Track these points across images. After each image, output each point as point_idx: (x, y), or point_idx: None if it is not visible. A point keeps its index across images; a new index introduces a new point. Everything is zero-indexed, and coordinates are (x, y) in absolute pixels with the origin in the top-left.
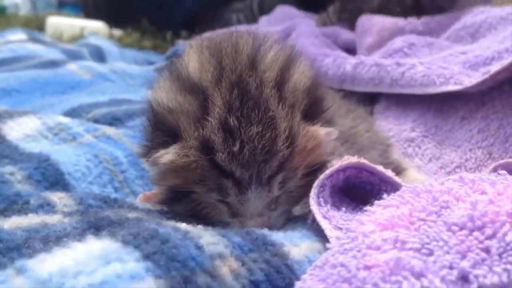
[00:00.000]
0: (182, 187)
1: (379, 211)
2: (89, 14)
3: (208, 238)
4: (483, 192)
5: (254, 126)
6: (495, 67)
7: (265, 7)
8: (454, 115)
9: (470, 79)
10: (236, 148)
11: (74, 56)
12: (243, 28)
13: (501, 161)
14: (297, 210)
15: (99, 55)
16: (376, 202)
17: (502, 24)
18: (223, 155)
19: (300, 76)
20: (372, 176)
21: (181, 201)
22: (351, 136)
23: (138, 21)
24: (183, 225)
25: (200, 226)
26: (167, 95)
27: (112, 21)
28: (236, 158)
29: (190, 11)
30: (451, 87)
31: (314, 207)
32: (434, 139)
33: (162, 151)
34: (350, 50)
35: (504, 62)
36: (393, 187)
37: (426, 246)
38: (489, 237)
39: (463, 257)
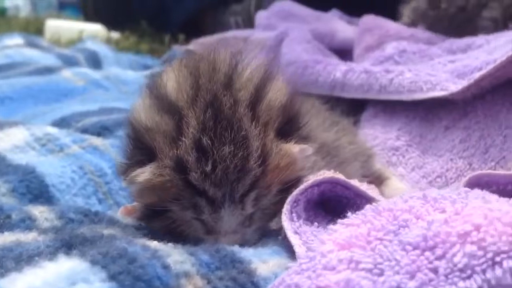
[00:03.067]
0: (158, 205)
1: (340, 230)
2: (89, 16)
3: (176, 257)
4: (443, 211)
5: (226, 145)
6: (480, 72)
7: (263, 8)
8: (438, 123)
9: (456, 86)
10: (208, 167)
11: (69, 61)
12: (239, 34)
13: (474, 173)
14: (273, 225)
15: (94, 60)
16: (339, 220)
17: (495, 39)
18: (196, 175)
19: (275, 94)
20: (347, 190)
21: (157, 218)
22: (334, 149)
23: (137, 23)
24: (153, 243)
25: (170, 244)
26: (145, 114)
27: (111, 23)
28: (209, 178)
29: (189, 13)
30: (437, 93)
31: (285, 222)
32: (418, 148)
33: (138, 170)
34: (346, 50)
35: (489, 67)
36: (368, 201)
37: (379, 266)
38: (439, 258)
39: (412, 277)
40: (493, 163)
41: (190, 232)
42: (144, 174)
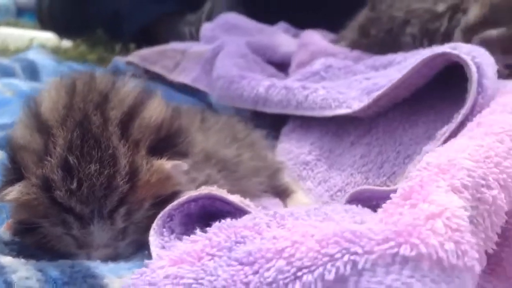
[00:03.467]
0: (29, 221)
1: (180, 245)
2: (44, 23)
3: (22, 273)
4: (284, 228)
5: (92, 164)
6: (377, 92)
7: (212, 19)
8: (346, 139)
9: (360, 104)
10: (74, 185)
11: (5, 72)
12: (178, 46)
13: (357, 189)
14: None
15: (32, 71)
16: (185, 237)
17: (411, 56)
18: (61, 193)
19: (150, 113)
20: (227, 205)
21: (29, 234)
22: (233, 164)
23: (93, 31)
24: (5, 259)
25: (23, 260)
26: (20, 132)
27: (67, 31)
28: (75, 195)
29: (143, 22)
30: (343, 111)
31: (152, 237)
32: (326, 162)
33: (9, 189)
34: (288, 64)
35: (384, 87)
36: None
37: (200, 281)
38: (254, 272)
39: None
40: (385, 178)
41: (61, 247)
42: (13, 192)
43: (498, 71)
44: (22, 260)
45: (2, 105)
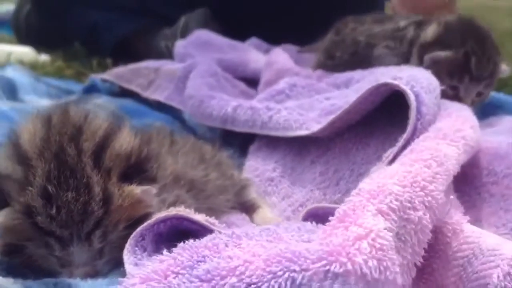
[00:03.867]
0: (15, 243)
1: (150, 264)
2: (21, 36)
3: None
4: (239, 247)
5: (69, 192)
6: (331, 116)
7: (188, 35)
8: (307, 158)
9: (318, 126)
10: (53, 211)
11: None
12: (151, 64)
13: (312, 206)
14: None
15: (10, 89)
16: (155, 257)
17: (369, 74)
18: (42, 218)
19: (121, 142)
20: (194, 225)
21: (17, 255)
22: (202, 184)
23: (71, 43)
24: None
25: (11, 280)
26: (3, 162)
27: (44, 43)
28: (55, 220)
29: (121, 36)
30: (304, 132)
31: (125, 256)
32: (289, 179)
33: None
34: (258, 80)
35: (338, 112)
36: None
37: None
38: None
39: None
40: (340, 194)
41: (46, 266)
42: None
43: (445, 92)
44: (11, 280)
45: None
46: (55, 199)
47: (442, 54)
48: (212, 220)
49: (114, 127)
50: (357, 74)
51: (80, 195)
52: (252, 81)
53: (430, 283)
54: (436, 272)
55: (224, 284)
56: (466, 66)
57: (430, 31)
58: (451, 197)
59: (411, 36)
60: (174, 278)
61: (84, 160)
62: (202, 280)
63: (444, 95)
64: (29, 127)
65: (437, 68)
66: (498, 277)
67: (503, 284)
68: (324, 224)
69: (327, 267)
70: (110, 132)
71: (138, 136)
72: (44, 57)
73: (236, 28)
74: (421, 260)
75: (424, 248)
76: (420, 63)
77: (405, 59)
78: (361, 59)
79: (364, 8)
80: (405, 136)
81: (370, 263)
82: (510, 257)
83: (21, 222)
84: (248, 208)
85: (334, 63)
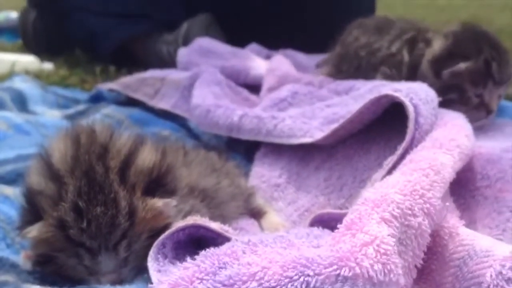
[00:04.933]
0: (47, 254)
1: (176, 271)
2: (28, 43)
3: None
4: (256, 254)
5: (98, 207)
6: (334, 125)
7: (190, 40)
8: (311, 164)
9: (321, 134)
10: (84, 225)
11: None
12: (157, 74)
13: (318, 212)
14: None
15: (20, 101)
16: (178, 264)
17: (369, 87)
18: (74, 231)
19: (143, 159)
20: (210, 232)
21: (48, 264)
22: (214, 192)
23: (72, 50)
24: (34, 287)
25: (48, 287)
26: (36, 179)
27: (50, 50)
28: (85, 232)
29: (119, 41)
30: (307, 139)
31: (149, 263)
32: (295, 185)
33: (29, 228)
34: (259, 86)
35: (341, 121)
36: (228, 240)
37: None
38: None
39: None
40: (343, 200)
41: (76, 274)
42: (33, 231)
43: (470, 100)
44: (48, 287)
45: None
46: (85, 213)
47: (462, 65)
48: (227, 227)
49: (137, 144)
50: (358, 82)
51: (108, 209)
52: (253, 87)
53: (429, 283)
54: (434, 272)
55: None
56: (487, 72)
57: (438, 46)
58: (447, 203)
59: (408, 60)
60: (199, 283)
61: (111, 177)
62: (225, 285)
63: (469, 103)
64: (59, 146)
65: (458, 80)
66: (491, 276)
67: (495, 282)
68: (329, 228)
69: (338, 271)
70: (133, 150)
71: (159, 151)
72: (47, 66)
73: (237, 33)
74: (421, 262)
75: (423, 251)
76: (436, 78)
77: None
78: (365, 74)
79: (363, 12)
80: (403, 145)
81: (376, 267)
82: (502, 258)
83: (53, 235)
84: (255, 214)
85: (342, 77)
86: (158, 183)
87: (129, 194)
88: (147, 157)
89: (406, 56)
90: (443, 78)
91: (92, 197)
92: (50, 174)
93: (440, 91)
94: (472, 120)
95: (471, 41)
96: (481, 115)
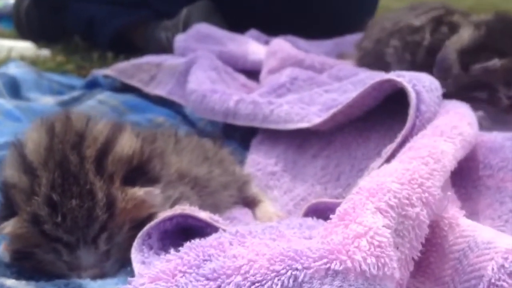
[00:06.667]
0: (24, 250)
1: (158, 264)
2: (22, 30)
3: None
4: (243, 245)
5: (73, 199)
6: (333, 110)
7: (190, 26)
8: (309, 152)
9: (319, 119)
10: (59, 219)
11: None
12: (153, 59)
13: (313, 201)
14: None
15: (13, 86)
16: (161, 256)
17: (371, 73)
18: (49, 226)
19: (122, 146)
20: (199, 222)
21: (26, 260)
22: (205, 181)
23: (70, 37)
24: (9, 281)
25: (24, 282)
26: (10, 172)
27: (44, 38)
28: (61, 227)
29: (120, 27)
30: (305, 124)
31: (133, 254)
32: (291, 173)
33: (4, 223)
34: (258, 71)
35: (339, 106)
36: (216, 230)
37: None
38: (217, 287)
39: None
40: (340, 189)
41: (55, 269)
42: (8, 227)
43: (499, 100)
44: (23, 282)
45: None
46: (60, 207)
47: (498, 62)
48: (216, 217)
49: (115, 131)
50: (362, 70)
51: (84, 202)
52: (252, 73)
53: (427, 276)
54: (433, 265)
55: (230, 283)
56: None
57: (467, 35)
58: (448, 193)
59: (429, 43)
60: (182, 277)
61: (87, 167)
62: (208, 279)
63: (499, 104)
64: (33, 136)
65: (489, 78)
66: (493, 269)
67: (497, 276)
68: (324, 219)
69: (328, 265)
70: (111, 137)
71: (140, 137)
72: (44, 52)
73: (236, 19)
74: (419, 254)
75: (421, 242)
76: (464, 72)
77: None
78: (382, 47)
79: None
80: (403, 132)
81: (369, 260)
82: (504, 250)
83: (28, 230)
84: (250, 203)
85: (360, 54)
86: (139, 171)
87: (106, 185)
88: (126, 144)
89: (427, 37)
90: (472, 73)
91: (66, 189)
92: (23, 166)
93: (466, 87)
94: (497, 122)
95: (507, 35)
96: (509, 119)
